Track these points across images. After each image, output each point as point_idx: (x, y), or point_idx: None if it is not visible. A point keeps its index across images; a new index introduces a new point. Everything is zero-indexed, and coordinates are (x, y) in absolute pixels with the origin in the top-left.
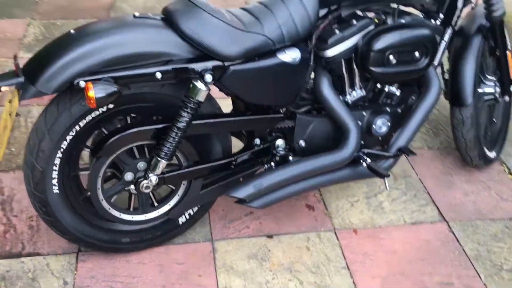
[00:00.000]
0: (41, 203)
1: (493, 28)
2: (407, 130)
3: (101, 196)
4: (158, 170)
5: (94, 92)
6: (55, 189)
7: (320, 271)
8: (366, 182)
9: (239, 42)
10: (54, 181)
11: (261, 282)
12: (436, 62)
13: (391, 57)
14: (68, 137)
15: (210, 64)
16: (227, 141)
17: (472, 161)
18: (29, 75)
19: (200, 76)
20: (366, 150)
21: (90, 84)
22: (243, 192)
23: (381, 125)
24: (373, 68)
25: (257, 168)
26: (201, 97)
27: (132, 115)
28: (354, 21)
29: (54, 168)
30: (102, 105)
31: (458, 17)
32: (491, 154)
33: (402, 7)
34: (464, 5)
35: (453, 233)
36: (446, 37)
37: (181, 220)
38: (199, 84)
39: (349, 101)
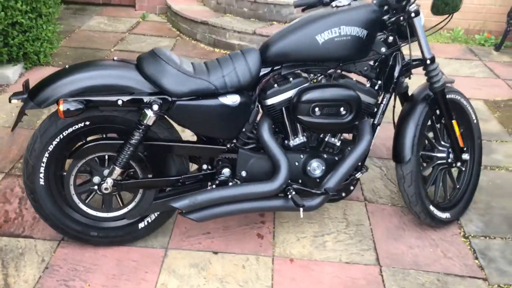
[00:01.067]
0: (30, 190)
1: (436, 98)
2: (336, 175)
3: (72, 191)
4: (114, 176)
5: (62, 106)
6: (41, 181)
7: (247, 286)
8: (319, 223)
9: (185, 84)
10: (41, 175)
11: (193, 285)
12: (376, 121)
13: (316, 109)
14: (54, 142)
15: (159, 97)
16: (182, 163)
17: (419, 217)
18: (31, 93)
19: (150, 105)
20: (295, 186)
21: (61, 101)
22: (180, 203)
23: (315, 167)
24: (300, 117)
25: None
26: (149, 121)
27: (111, 134)
28: (291, 79)
29: (42, 165)
30: (68, 116)
31: (395, 84)
32: (443, 215)
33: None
34: (402, 75)
35: (382, 276)
36: (385, 101)
37: (140, 225)
38: (148, 112)
39: (291, 145)
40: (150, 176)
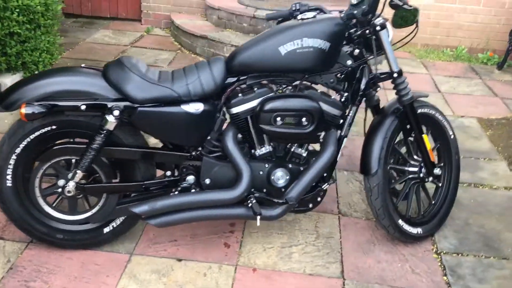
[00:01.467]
0: None
1: (405, 112)
2: (298, 185)
3: (37, 193)
4: (76, 179)
5: (25, 109)
6: (8, 183)
7: None
8: (289, 234)
9: (148, 91)
10: (8, 177)
11: None
12: (343, 133)
13: (278, 118)
14: (21, 145)
15: (121, 103)
16: (148, 169)
17: (388, 231)
18: (0, 98)
19: (111, 111)
20: (257, 194)
21: (24, 104)
22: (139, 208)
23: (279, 177)
24: (262, 126)
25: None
26: (110, 126)
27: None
28: (256, 89)
29: (9, 167)
30: (31, 119)
31: (362, 97)
32: (413, 230)
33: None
34: (369, 88)
35: None
36: (351, 113)
37: (106, 230)
38: (109, 117)
39: (257, 154)
40: (114, 181)
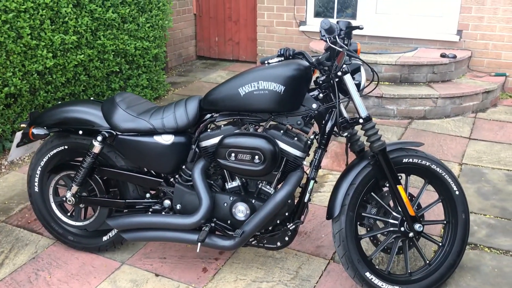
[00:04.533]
0: (29, 194)
1: (378, 159)
2: (251, 221)
3: (51, 200)
4: (73, 191)
5: (33, 131)
6: (36, 188)
7: None
8: (267, 270)
9: (127, 122)
10: (36, 184)
11: None
12: (310, 175)
13: (232, 154)
14: (44, 159)
15: (105, 131)
16: (135, 189)
17: (356, 283)
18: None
19: (96, 137)
20: (213, 224)
21: (33, 126)
22: (113, 222)
23: (239, 211)
24: (218, 159)
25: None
26: (95, 150)
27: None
28: (222, 126)
29: (36, 175)
30: (36, 139)
31: (327, 139)
32: (388, 287)
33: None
34: (334, 133)
35: None
36: (317, 155)
37: (104, 238)
38: (94, 142)
39: (227, 187)
40: (106, 196)
